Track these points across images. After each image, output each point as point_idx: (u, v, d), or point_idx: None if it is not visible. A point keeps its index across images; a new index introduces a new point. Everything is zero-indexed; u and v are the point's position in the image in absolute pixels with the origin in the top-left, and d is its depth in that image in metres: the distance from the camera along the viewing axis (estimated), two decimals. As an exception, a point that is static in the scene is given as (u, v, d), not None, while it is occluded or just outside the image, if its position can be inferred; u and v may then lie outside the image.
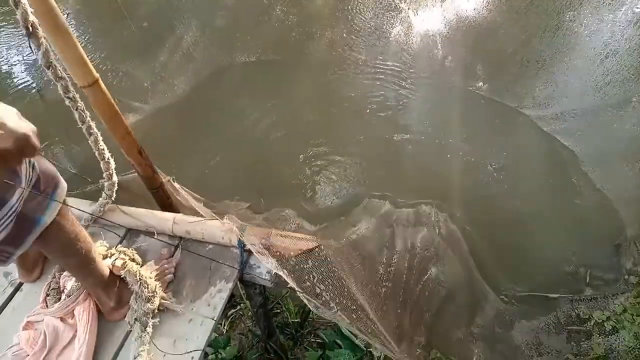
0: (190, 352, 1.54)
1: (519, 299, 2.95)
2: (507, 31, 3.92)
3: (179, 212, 2.07)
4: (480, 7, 4.09)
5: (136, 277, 1.61)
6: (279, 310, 2.79)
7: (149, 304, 1.59)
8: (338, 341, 2.68)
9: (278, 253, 1.75)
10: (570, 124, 3.44)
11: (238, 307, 2.88)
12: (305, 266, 1.76)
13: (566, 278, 2.99)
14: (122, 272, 1.62)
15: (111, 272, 1.61)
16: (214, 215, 1.99)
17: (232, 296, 2.71)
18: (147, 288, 1.61)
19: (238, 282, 1.91)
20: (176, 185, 2.22)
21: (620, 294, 2.88)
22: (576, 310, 2.90)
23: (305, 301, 1.71)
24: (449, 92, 3.85)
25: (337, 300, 1.80)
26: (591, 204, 3.21)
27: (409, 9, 4.34)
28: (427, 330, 2.81)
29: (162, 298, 1.66)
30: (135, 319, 1.58)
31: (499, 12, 4.01)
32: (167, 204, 2.20)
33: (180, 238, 1.89)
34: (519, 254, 3.10)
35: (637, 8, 3.26)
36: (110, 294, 1.60)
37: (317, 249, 1.76)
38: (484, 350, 2.78)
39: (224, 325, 2.78)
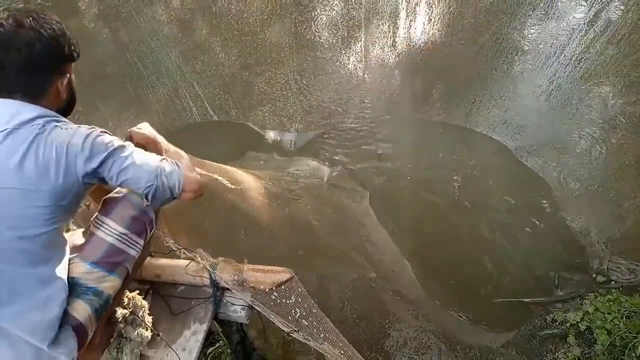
0: (168, 401, 1.50)
1: (494, 305, 3.00)
2: (459, 75, 4.10)
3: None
4: (432, 54, 4.21)
5: (138, 303, 1.60)
6: (259, 344, 2.73)
7: (145, 332, 1.58)
8: (322, 371, 2.65)
9: (253, 288, 1.73)
10: (531, 154, 3.65)
11: (217, 345, 2.80)
12: (288, 301, 1.75)
13: (537, 283, 3.06)
14: (126, 299, 1.59)
15: None
16: (185, 252, 1.95)
17: (210, 333, 2.65)
18: (145, 316, 1.60)
19: (214, 321, 1.88)
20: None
21: (590, 294, 2.96)
22: (550, 314, 2.97)
23: (293, 334, 1.70)
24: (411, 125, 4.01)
25: (322, 335, 1.78)
26: (555, 214, 3.36)
27: (363, 73, 4.41)
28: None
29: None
30: (127, 352, 1.55)
31: (451, 58, 4.16)
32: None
33: (151, 282, 1.84)
34: (489, 264, 3.16)
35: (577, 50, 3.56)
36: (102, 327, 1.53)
37: (291, 280, 1.74)
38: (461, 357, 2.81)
39: (204, 365, 2.70)
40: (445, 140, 3.88)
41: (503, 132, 3.78)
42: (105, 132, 1.32)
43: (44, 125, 1.20)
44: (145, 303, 1.63)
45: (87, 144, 1.23)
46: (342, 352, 1.77)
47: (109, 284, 1.36)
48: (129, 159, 1.30)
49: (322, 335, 1.76)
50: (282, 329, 1.74)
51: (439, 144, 3.87)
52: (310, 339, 1.75)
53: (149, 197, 1.34)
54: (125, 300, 1.58)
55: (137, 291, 1.65)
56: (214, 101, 4.20)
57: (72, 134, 1.23)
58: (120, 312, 1.54)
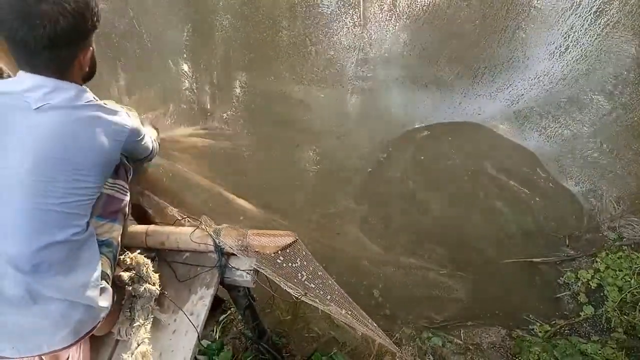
0: (177, 363, 1.53)
1: (504, 266, 2.99)
2: (465, 39, 3.84)
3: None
4: (436, 16, 3.93)
5: (141, 261, 1.64)
6: (269, 310, 2.76)
7: (152, 287, 1.62)
8: (332, 332, 2.69)
9: (257, 252, 1.73)
10: (527, 125, 3.53)
11: (229, 312, 2.85)
12: (294, 265, 1.75)
13: (548, 243, 3.04)
14: (129, 260, 1.64)
15: None
16: (189, 220, 1.96)
17: (222, 301, 2.70)
18: (150, 272, 1.65)
19: (222, 287, 1.89)
20: (149, 194, 2.18)
21: (602, 252, 2.94)
22: (561, 273, 2.96)
23: (301, 297, 1.72)
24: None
25: (329, 297, 1.79)
26: (564, 174, 3.28)
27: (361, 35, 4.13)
28: (414, 311, 2.84)
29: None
30: (138, 309, 1.59)
31: (456, 21, 3.88)
32: (143, 217, 2.17)
33: (156, 250, 1.85)
34: (497, 227, 3.12)
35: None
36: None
37: (295, 243, 1.74)
38: (471, 320, 2.83)
39: (216, 332, 2.76)
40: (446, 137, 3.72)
41: (506, 97, 3.62)
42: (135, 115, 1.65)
43: (87, 106, 1.28)
44: (147, 260, 1.65)
45: (129, 129, 1.40)
46: (349, 313, 1.78)
47: (116, 233, 1.50)
48: (144, 144, 1.63)
49: (328, 297, 1.77)
50: (289, 293, 1.76)
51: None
52: (317, 301, 1.76)
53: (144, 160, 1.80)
54: (128, 260, 1.61)
55: (138, 251, 1.68)
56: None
57: (115, 115, 1.36)
58: (126, 275, 1.58)
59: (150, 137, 1.71)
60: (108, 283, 1.42)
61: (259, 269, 1.74)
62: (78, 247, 1.29)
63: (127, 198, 1.58)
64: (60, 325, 1.26)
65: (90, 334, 1.39)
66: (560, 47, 3.53)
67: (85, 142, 1.24)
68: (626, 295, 2.70)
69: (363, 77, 3.80)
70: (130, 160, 1.66)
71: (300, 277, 1.77)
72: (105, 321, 1.55)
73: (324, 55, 3.82)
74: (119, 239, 1.53)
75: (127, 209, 1.59)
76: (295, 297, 1.77)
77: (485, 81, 3.66)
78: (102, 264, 1.39)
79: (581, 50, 3.45)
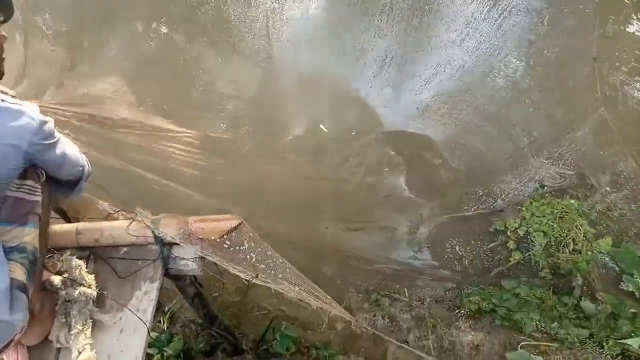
0: (128, 364, 1.45)
1: (440, 224, 3.13)
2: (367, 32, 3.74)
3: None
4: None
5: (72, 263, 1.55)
6: (217, 294, 2.71)
7: (87, 289, 1.53)
8: (283, 308, 2.70)
9: (201, 239, 1.66)
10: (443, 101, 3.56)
11: (175, 300, 2.76)
12: (241, 248, 1.70)
13: (477, 197, 3.19)
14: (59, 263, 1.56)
15: None
16: (123, 213, 1.84)
17: (166, 290, 2.60)
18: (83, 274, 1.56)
19: (166, 278, 1.81)
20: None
21: (526, 200, 3.15)
22: (491, 224, 3.14)
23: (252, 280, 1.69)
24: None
25: (280, 275, 1.77)
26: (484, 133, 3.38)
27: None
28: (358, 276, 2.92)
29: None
30: (75, 314, 1.49)
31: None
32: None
33: (89, 248, 1.72)
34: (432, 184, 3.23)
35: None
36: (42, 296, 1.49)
37: (241, 226, 1.69)
38: (415, 278, 2.95)
39: (164, 322, 2.67)
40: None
41: (411, 87, 3.61)
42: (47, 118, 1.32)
43: None
44: (80, 262, 1.56)
45: (33, 129, 1.24)
46: (302, 288, 1.78)
47: (29, 237, 1.38)
48: (61, 155, 1.39)
49: (280, 276, 1.76)
50: (239, 276, 1.72)
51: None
52: (269, 281, 1.74)
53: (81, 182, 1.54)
54: (59, 264, 1.52)
55: (69, 252, 1.59)
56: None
57: (14, 112, 1.21)
58: (57, 278, 1.48)
59: (74, 148, 1.49)
60: (24, 292, 1.31)
61: (205, 256, 1.68)
62: None
63: (38, 198, 1.45)
64: None
65: (8, 348, 1.29)
66: (461, 34, 3.55)
67: None
68: (550, 238, 2.94)
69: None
70: (58, 188, 1.51)
71: (249, 259, 1.73)
72: (36, 330, 1.46)
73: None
74: (37, 242, 1.41)
75: (39, 210, 1.46)
76: (245, 280, 1.74)
77: (391, 71, 3.60)
78: (13, 272, 1.28)
79: (480, 35, 3.49)
